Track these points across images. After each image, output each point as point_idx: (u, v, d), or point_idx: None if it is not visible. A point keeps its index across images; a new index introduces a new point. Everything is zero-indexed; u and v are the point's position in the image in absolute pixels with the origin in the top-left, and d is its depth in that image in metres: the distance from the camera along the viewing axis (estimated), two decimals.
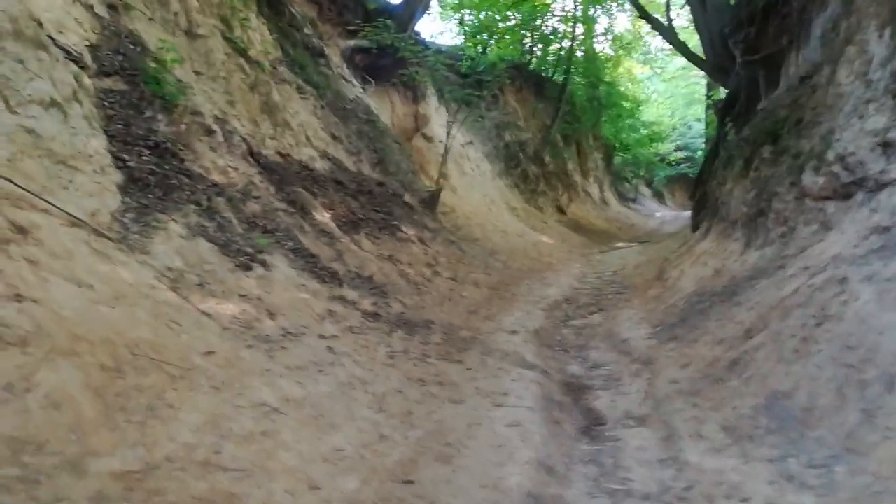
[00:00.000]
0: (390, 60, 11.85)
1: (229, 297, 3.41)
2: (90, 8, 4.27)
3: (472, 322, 5.30)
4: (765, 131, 5.45)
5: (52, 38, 3.41)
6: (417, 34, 13.36)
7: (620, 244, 13.35)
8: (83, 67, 3.71)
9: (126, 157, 3.64)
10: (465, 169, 12.42)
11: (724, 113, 8.54)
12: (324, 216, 6.00)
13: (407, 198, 8.98)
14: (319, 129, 8.32)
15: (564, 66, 17.01)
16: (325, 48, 10.34)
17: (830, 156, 4.01)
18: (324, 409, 2.75)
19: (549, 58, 17.36)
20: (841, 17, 4.65)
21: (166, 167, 3.97)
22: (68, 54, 3.56)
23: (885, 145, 3.44)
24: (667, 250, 8.75)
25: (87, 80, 3.69)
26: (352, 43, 11.52)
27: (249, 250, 4.07)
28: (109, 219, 3.12)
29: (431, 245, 7.51)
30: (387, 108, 13.16)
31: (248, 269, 3.86)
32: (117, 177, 3.44)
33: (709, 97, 22.78)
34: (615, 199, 22.15)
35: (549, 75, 17.87)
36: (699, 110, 25.16)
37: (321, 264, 4.86)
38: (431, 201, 9.44)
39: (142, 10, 5.00)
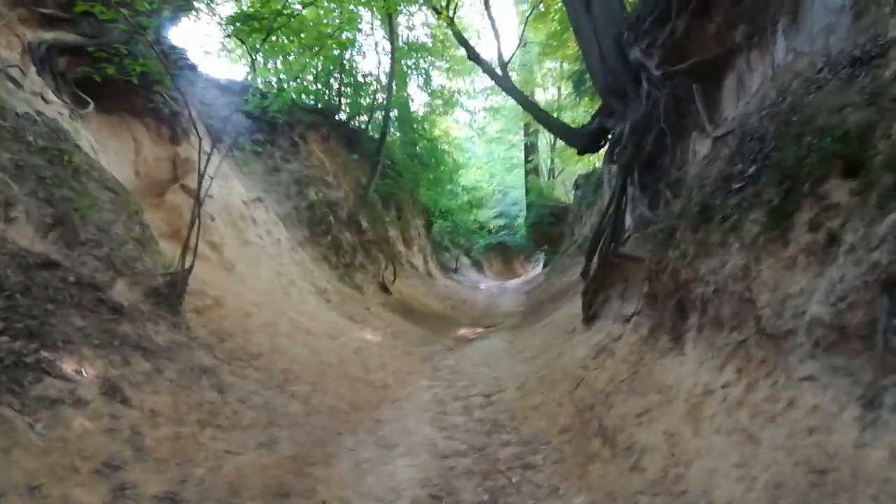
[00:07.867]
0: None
1: None
2: None
3: None
4: (826, 156, 2.63)
5: None
6: (171, 45, 9.35)
7: (465, 332, 10.31)
8: None
9: None
10: (249, 236, 8.44)
11: (631, 156, 5.82)
12: None
13: (118, 290, 4.79)
14: None
15: (382, 114, 14.15)
16: None
17: None
18: None
19: (362, 101, 14.36)
20: None
21: None
22: None
23: None
24: (558, 354, 5.75)
25: None
26: (49, 36, 7.14)
27: None
28: None
29: (144, 392, 3.47)
30: (127, 148, 8.71)
31: None
32: None
33: (528, 161, 21.90)
34: (439, 271, 19.58)
35: (364, 126, 14.90)
36: (519, 176, 24.28)
37: None
38: (173, 292, 5.35)
39: None
